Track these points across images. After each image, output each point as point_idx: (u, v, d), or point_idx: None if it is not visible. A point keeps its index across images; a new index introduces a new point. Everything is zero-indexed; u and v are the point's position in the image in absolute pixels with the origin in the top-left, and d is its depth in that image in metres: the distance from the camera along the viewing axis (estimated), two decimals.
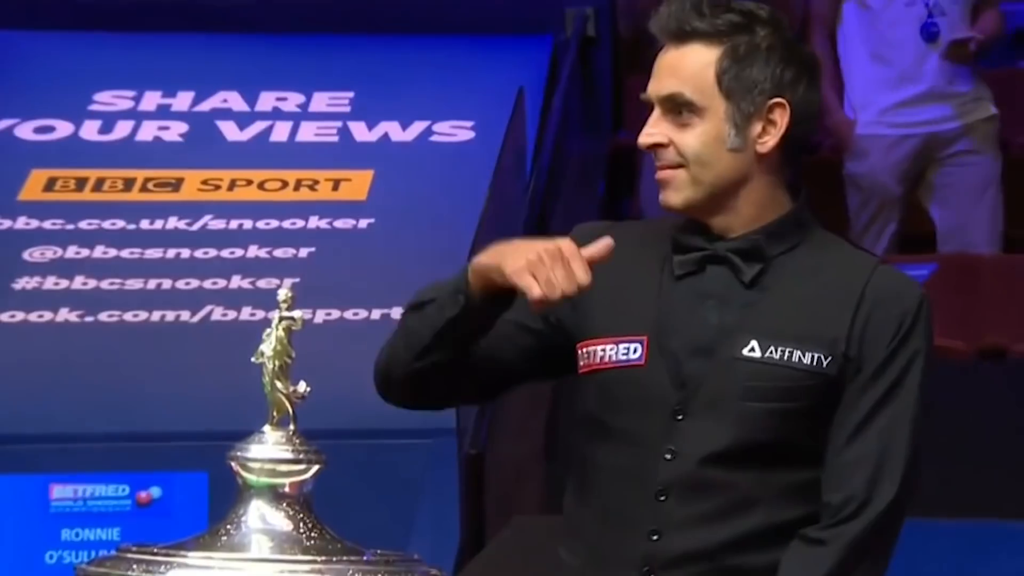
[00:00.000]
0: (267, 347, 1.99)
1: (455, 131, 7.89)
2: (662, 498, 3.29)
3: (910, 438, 3.34)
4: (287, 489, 1.90)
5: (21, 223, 7.33)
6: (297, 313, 2.05)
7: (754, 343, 3.30)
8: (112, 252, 7.11)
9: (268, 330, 2.02)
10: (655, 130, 3.36)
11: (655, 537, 3.29)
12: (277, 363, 1.96)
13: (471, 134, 7.84)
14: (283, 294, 2.06)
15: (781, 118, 3.36)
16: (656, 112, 3.37)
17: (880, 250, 8.27)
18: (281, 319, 2.00)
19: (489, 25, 8.62)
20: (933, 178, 8.33)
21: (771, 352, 3.29)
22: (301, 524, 1.88)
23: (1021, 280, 7.94)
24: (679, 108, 3.34)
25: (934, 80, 8.30)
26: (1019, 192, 8.53)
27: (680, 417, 3.31)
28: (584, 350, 3.41)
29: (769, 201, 3.41)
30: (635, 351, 3.34)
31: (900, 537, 3.27)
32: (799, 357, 3.29)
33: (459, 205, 7.17)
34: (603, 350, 3.38)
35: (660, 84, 3.37)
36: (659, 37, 3.40)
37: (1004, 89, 8.60)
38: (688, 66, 3.35)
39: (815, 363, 3.29)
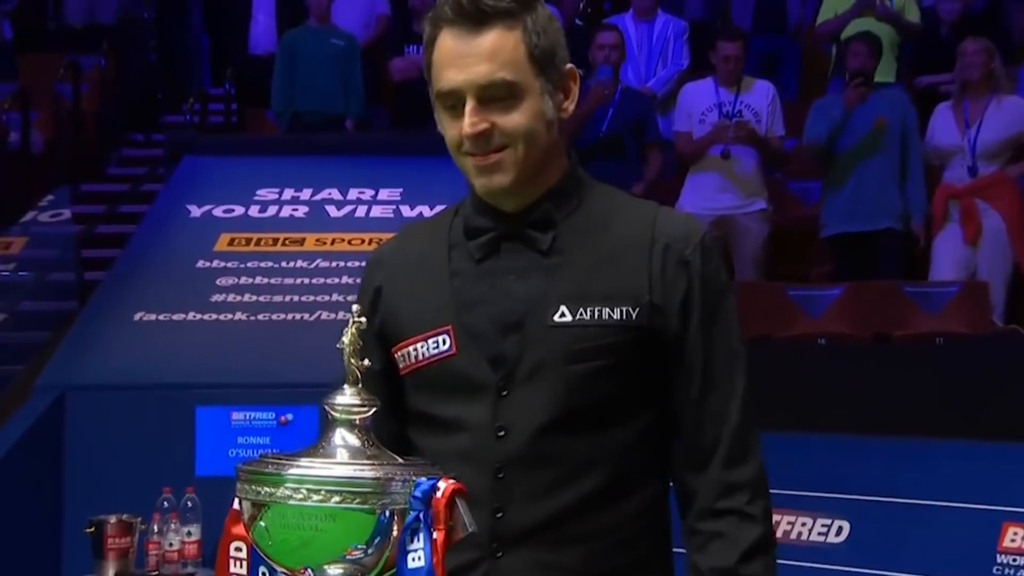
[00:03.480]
0: (346, 339, 1.95)
1: None
2: (500, 476, 2.15)
3: (742, 372, 2.24)
4: (357, 422, 1.87)
5: (215, 263, 7.30)
6: (363, 319, 2.00)
7: (563, 308, 2.17)
8: (265, 280, 7.08)
9: (346, 328, 1.98)
10: (477, 118, 2.15)
11: (499, 515, 2.16)
12: (351, 348, 1.93)
13: None
14: (355, 308, 2.01)
15: (574, 82, 2.26)
16: (471, 102, 2.14)
17: None
18: (353, 322, 1.96)
19: None
20: (730, 238, 8.28)
21: (581, 314, 2.16)
22: (364, 442, 1.85)
23: (777, 296, 7.91)
24: (498, 90, 2.15)
25: (724, 183, 8.20)
26: (776, 247, 8.54)
27: (504, 394, 2.18)
28: (399, 353, 2.27)
29: (558, 163, 2.27)
30: (444, 342, 2.21)
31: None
32: (608, 314, 2.16)
33: None
34: (415, 349, 2.24)
35: (475, 72, 2.14)
36: (453, 24, 2.15)
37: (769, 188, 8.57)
38: (501, 49, 2.14)
39: (624, 317, 2.16)
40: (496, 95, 2.15)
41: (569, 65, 2.24)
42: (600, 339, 2.17)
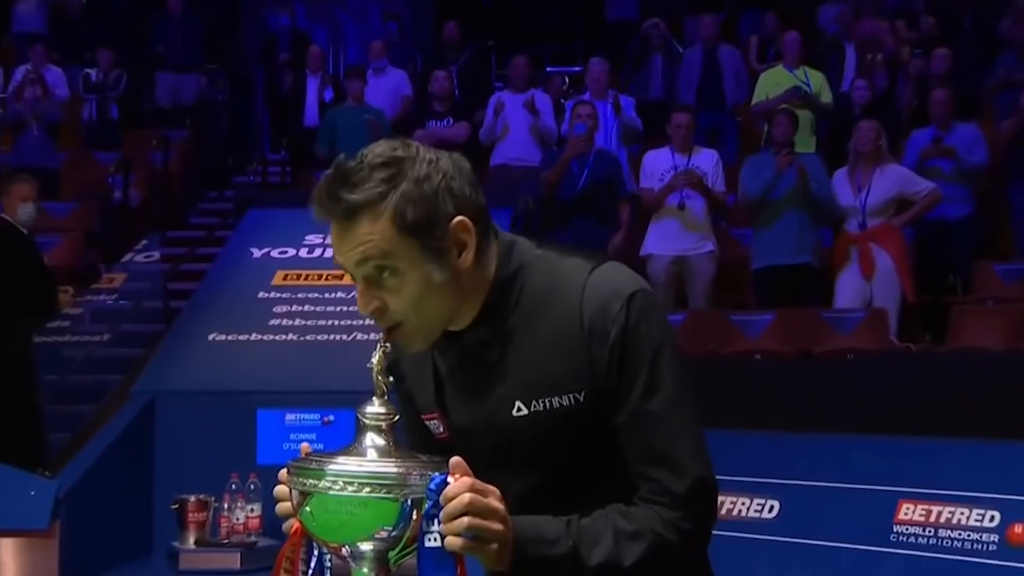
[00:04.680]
0: (374, 359, 1.87)
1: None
2: None
3: (686, 423, 1.82)
4: (383, 427, 1.82)
5: (272, 294, 7.28)
6: (388, 344, 1.91)
7: (519, 403, 1.83)
8: (312, 308, 7.06)
9: (374, 351, 1.91)
10: (368, 298, 1.80)
11: None
12: (379, 367, 1.86)
13: None
14: (382, 336, 1.93)
15: (468, 232, 1.79)
16: (359, 284, 1.80)
17: None
18: (380, 346, 1.89)
19: None
20: (685, 274, 8.25)
21: (535, 405, 1.82)
22: (389, 443, 1.80)
23: (721, 320, 7.90)
24: (378, 271, 1.77)
25: (681, 229, 8.17)
26: (721, 280, 8.52)
27: (490, 474, 1.75)
28: None
29: (482, 285, 1.85)
30: (438, 428, 1.95)
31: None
32: (558, 402, 1.82)
33: None
34: (428, 423, 1.97)
35: (349, 256, 1.77)
36: (327, 220, 1.77)
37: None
38: (368, 235, 1.74)
39: (573, 402, 1.81)
40: (375, 276, 1.78)
41: (458, 218, 1.79)
42: (558, 427, 1.83)
